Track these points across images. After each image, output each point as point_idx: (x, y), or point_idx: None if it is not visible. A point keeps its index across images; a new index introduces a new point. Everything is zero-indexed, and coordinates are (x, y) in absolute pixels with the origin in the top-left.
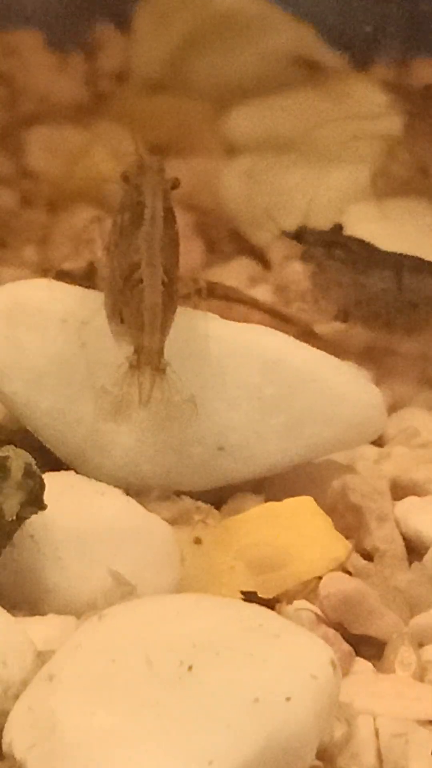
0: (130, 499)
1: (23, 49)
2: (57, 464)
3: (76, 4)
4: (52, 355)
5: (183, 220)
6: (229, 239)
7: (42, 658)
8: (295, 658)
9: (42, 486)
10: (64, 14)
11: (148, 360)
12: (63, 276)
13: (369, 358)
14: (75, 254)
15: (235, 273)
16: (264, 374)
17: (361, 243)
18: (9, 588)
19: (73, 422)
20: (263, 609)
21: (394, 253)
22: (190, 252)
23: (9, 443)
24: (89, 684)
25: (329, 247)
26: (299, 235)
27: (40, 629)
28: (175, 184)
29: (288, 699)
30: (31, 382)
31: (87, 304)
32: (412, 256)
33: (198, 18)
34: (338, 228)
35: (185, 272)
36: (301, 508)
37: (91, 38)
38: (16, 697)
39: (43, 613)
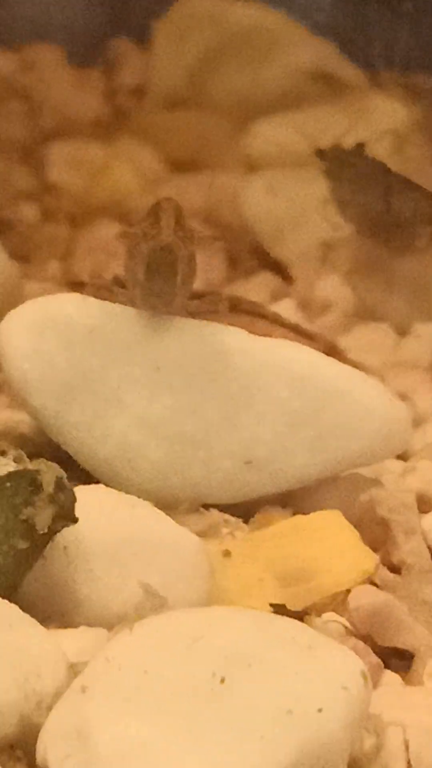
0: (160, 512)
1: (43, 64)
2: (85, 477)
3: (95, 20)
4: (80, 369)
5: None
6: (250, 254)
7: (74, 670)
8: (327, 670)
9: (73, 499)
10: (84, 30)
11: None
12: (86, 289)
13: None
14: (98, 268)
15: (257, 288)
16: (292, 389)
17: (380, 165)
18: (41, 600)
19: (102, 435)
20: (294, 621)
21: (408, 179)
22: (212, 267)
23: (37, 456)
24: (122, 696)
25: (350, 166)
26: (324, 153)
27: (71, 641)
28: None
29: (320, 710)
30: (60, 396)
31: (115, 318)
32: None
33: (217, 34)
34: (360, 147)
35: (207, 287)
36: (329, 522)
37: (110, 54)
38: (50, 708)
39: (74, 625)
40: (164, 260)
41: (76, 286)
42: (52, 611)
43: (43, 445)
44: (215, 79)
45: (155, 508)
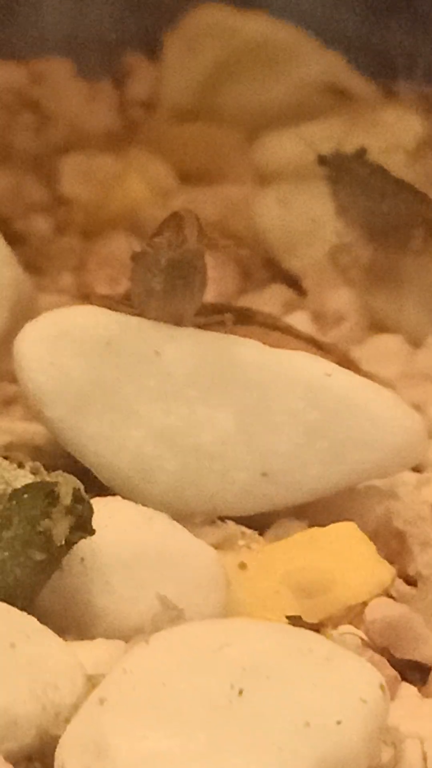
0: (176, 524)
1: (53, 77)
2: (100, 489)
3: (104, 33)
4: (96, 381)
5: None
6: (262, 266)
7: (92, 681)
8: (345, 682)
9: (90, 511)
10: (93, 43)
11: None
12: (101, 301)
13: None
14: (112, 280)
15: (269, 300)
16: (307, 400)
17: (379, 169)
18: (58, 612)
19: (118, 447)
20: (312, 633)
21: (402, 180)
22: (224, 279)
23: (53, 468)
24: (140, 708)
25: (350, 171)
26: (325, 159)
27: (88, 653)
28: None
29: (338, 722)
30: (76, 408)
31: (131, 330)
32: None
33: (228, 46)
34: (361, 152)
35: (219, 299)
36: (345, 534)
37: (120, 67)
38: (67, 720)
39: (91, 637)
40: (186, 270)
41: (89, 298)
42: (69, 623)
43: (58, 457)
44: (226, 92)
45: (172, 520)
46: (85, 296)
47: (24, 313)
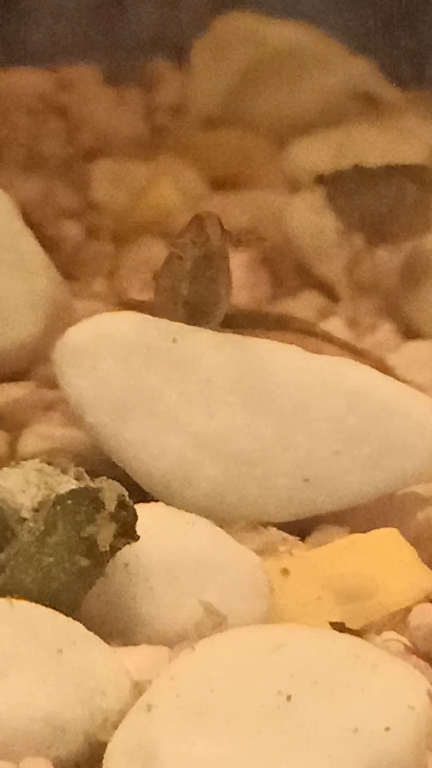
0: (219, 530)
1: (81, 84)
2: (141, 494)
3: (131, 40)
4: (137, 387)
5: (248, 254)
6: (295, 273)
7: (138, 688)
8: (393, 689)
9: (135, 517)
10: (121, 50)
11: None
12: (138, 307)
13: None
14: (145, 286)
15: (303, 306)
16: (348, 406)
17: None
18: (102, 618)
19: (158, 453)
20: (358, 639)
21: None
22: (256, 285)
23: (92, 473)
24: (188, 714)
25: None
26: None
27: (133, 659)
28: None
29: (387, 729)
30: (117, 414)
31: (171, 336)
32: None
33: (256, 53)
34: (358, 168)
35: (253, 305)
36: (387, 540)
37: (147, 73)
38: (115, 726)
39: (135, 643)
40: (211, 269)
41: (125, 304)
42: (113, 629)
43: (97, 462)
44: (253, 98)
45: (215, 526)
46: (122, 302)
47: (60, 318)
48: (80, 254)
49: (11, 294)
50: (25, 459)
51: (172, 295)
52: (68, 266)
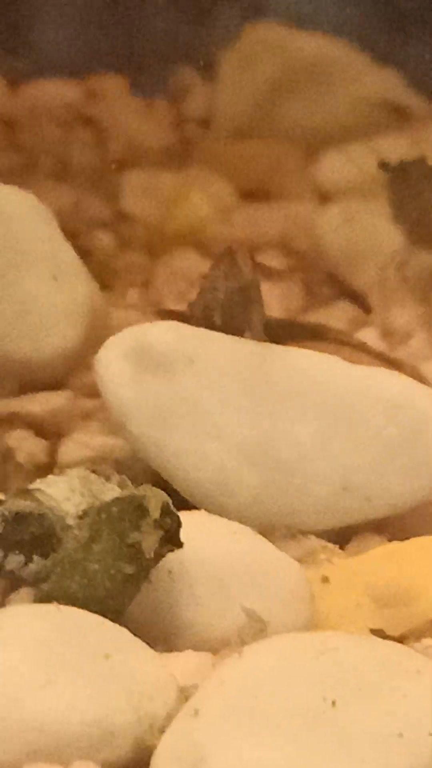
0: (261, 537)
1: (109, 94)
2: (181, 502)
3: (158, 50)
4: (178, 396)
5: (280, 264)
6: (327, 283)
7: (184, 693)
8: None
9: (179, 524)
10: (148, 60)
11: None
12: (172, 317)
13: None
14: (179, 296)
15: (336, 317)
16: (387, 416)
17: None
18: (146, 624)
19: (200, 461)
20: (400, 646)
21: None
22: (288, 296)
23: (133, 480)
24: (234, 719)
25: (409, 178)
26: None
27: (178, 665)
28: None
29: (431, 734)
30: (159, 423)
31: (214, 345)
32: None
33: (284, 64)
34: (422, 159)
35: (284, 316)
36: (425, 548)
37: (175, 84)
38: (162, 731)
39: (178, 649)
40: (243, 302)
41: (162, 314)
42: (157, 635)
43: (137, 470)
44: (282, 109)
45: (256, 534)
46: (158, 312)
47: (98, 328)
48: (113, 264)
49: (50, 303)
50: (67, 467)
51: (206, 326)
52: (102, 276)
